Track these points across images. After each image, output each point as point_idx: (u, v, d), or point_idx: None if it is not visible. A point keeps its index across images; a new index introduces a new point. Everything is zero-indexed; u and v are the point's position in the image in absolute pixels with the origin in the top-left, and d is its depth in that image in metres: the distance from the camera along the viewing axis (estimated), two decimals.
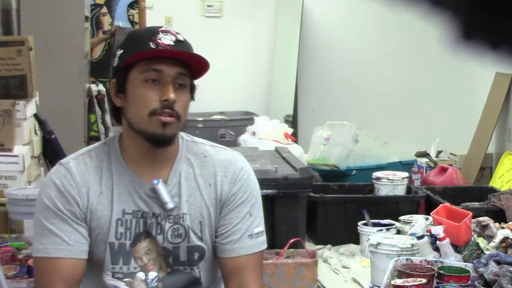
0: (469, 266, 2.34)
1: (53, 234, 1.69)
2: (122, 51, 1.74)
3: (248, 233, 1.79)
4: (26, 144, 3.32)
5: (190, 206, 1.77)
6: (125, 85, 1.72)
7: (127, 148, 1.76)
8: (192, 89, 1.76)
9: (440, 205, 2.89)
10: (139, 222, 1.74)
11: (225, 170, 1.80)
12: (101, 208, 1.73)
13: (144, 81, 1.69)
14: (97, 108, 4.96)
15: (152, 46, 1.68)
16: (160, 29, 1.72)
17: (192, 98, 1.77)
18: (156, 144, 1.72)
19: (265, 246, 1.83)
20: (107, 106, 4.98)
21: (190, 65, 1.72)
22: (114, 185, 1.74)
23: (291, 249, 2.93)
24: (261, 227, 1.82)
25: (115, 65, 1.75)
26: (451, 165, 4.86)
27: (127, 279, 1.74)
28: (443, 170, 4.54)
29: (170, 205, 1.73)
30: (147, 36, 1.71)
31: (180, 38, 1.72)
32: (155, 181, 1.73)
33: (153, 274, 1.76)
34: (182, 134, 1.82)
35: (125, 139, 1.77)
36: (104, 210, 1.73)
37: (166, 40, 1.69)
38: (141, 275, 1.75)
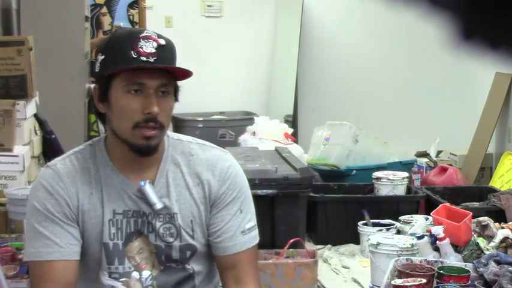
0: (469, 266, 2.34)
1: (44, 237, 1.69)
2: (103, 57, 1.70)
3: (240, 229, 1.79)
4: (26, 144, 3.32)
5: (180, 205, 1.77)
6: (107, 94, 1.69)
7: (113, 151, 1.76)
8: (176, 91, 1.74)
9: (440, 205, 2.88)
10: (130, 222, 1.75)
11: (212, 169, 1.80)
12: (93, 209, 1.73)
13: (126, 92, 1.66)
14: None
15: (133, 55, 1.64)
16: (141, 35, 1.67)
17: (176, 99, 1.75)
18: (140, 154, 1.71)
19: (258, 239, 1.84)
20: None
21: (174, 73, 1.70)
22: (103, 185, 1.74)
23: (291, 249, 2.93)
24: (253, 222, 1.83)
25: (97, 70, 1.71)
26: (451, 165, 4.85)
27: (123, 279, 1.75)
28: (443, 170, 4.53)
29: (158, 206, 1.73)
30: (128, 43, 1.66)
31: (162, 42, 1.68)
32: (142, 182, 1.73)
33: (146, 273, 1.76)
34: (168, 133, 1.80)
35: (111, 142, 1.76)
36: (96, 211, 1.73)
37: (148, 48, 1.65)
38: (135, 274, 1.76)
